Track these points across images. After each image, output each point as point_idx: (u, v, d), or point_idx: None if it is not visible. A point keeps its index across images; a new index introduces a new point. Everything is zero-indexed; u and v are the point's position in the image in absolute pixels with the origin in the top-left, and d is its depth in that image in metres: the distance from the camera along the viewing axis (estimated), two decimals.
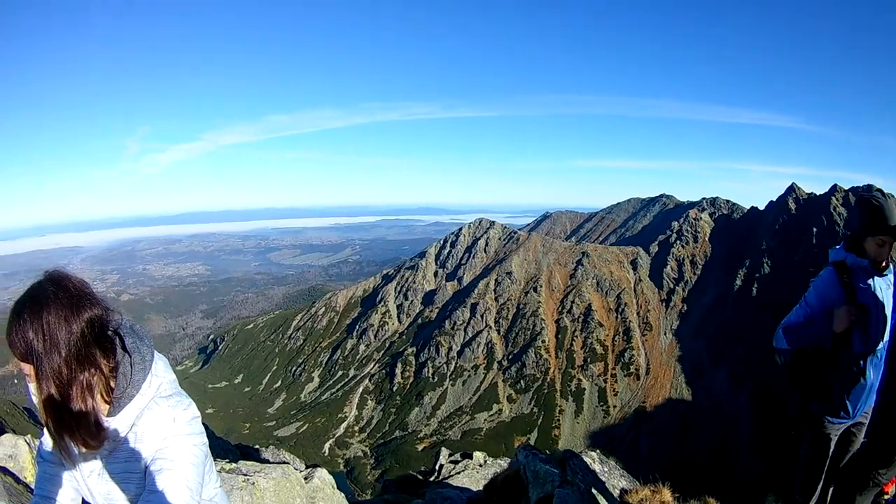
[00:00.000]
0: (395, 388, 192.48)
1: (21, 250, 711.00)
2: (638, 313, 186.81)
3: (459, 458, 23.55)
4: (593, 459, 10.97)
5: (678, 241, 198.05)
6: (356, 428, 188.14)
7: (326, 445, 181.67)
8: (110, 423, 2.73)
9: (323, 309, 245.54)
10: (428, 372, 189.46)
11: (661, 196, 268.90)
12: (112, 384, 2.77)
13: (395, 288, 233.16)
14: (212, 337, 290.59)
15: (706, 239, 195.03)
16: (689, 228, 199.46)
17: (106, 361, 2.77)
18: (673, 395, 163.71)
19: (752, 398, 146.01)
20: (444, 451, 25.05)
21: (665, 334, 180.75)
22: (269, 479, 8.90)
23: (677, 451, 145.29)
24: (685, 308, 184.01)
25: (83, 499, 3.05)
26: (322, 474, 11.76)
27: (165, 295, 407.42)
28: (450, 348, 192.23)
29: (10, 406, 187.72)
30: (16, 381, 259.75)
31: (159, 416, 2.84)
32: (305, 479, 10.74)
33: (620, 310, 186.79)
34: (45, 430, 2.84)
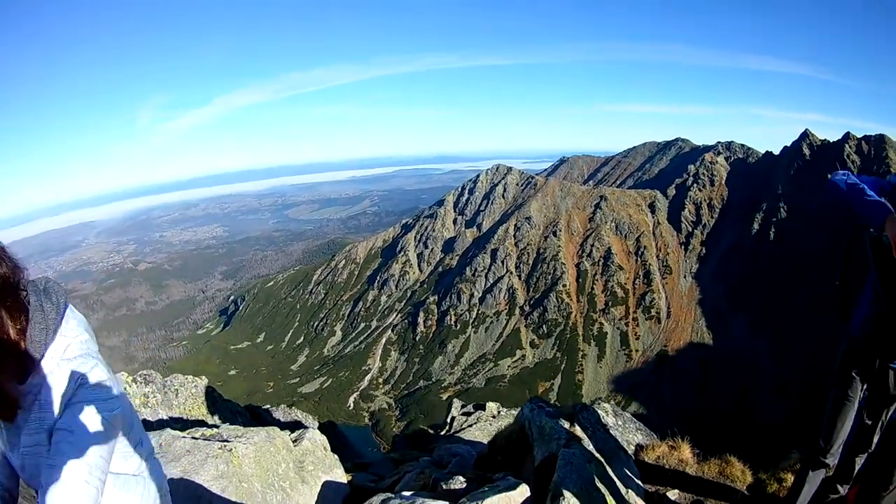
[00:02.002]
0: (418, 338, 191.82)
1: (34, 232, 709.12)
2: (657, 256, 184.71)
3: (472, 410, 23.57)
4: (606, 412, 9.94)
5: (695, 185, 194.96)
6: (380, 380, 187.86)
7: (351, 399, 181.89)
8: (22, 390, 2.42)
9: (343, 262, 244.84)
10: (450, 320, 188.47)
11: (677, 140, 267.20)
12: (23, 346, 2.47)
13: (415, 237, 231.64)
14: (232, 298, 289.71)
15: (723, 182, 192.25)
16: (705, 172, 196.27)
17: (13, 323, 2.42)
18: (694, 338, 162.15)
19: (771, 343, 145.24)
20: (457, 403, 25.11)
21: (685, 277, 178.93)
22: (249, 445, 8.21)
23: (699, 396, 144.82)
24: (704, 251, 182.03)
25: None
26: (313, 435, 10.38)
27: (183, 260, 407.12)
28: (471, 295, 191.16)
29: None
30: None
31: (60, 380, 2.45)
32: (295, 441, 9.85)
33: (640, 253, 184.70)
34: None
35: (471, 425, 21.13)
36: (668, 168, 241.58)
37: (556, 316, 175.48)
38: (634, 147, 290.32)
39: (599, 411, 9.46)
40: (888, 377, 5.05)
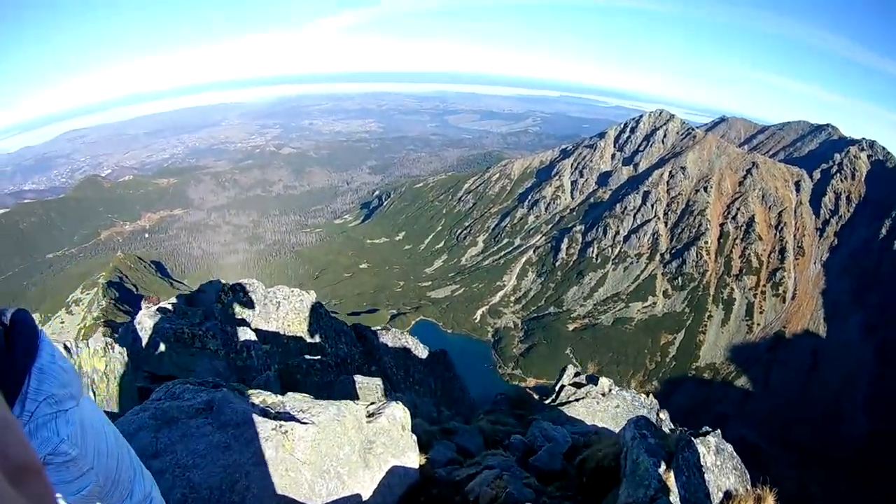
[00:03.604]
0: (557, 264, 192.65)
1: (170, 108, 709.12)
2: (794, 235, 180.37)
3: (584, 381, 22.23)
4: (708, 448, 8.63)
5: (838, 174, 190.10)
6: (512, 298, 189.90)
7: (479, 312, 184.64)
8: None
9: (497, 175, 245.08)
10: (592, 252, 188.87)
11: (828, 125, 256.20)
12: None
13: (572, 164, 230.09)
14: (377, 193, 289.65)
15: (862, 179, 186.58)
16: (848, 164, 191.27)
17: None
18: (811, 327, 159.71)
19: (877, 352, 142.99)
20: (570, 371, 23.37)
21: (815, 263, 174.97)
22: (309, 427, 7.35)
23: (802, 387, 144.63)
24: (836, 242, 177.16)
25: None
26: (393, 412, 9.17)
27: (331, 149, 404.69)
28: (617, 232, 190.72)
29: (136, 261, 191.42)
30: (147, 234, 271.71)
31: None
32: (371, 416, 8.93)
33: (780, 228, 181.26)
34: None
35: (578, 399, 20.45)
36: (817, 151, 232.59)
37: (693, 271, 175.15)
38: (789, 122, 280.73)
39: (701, 448, 8.38)
40: None
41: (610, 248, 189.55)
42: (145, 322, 17.24)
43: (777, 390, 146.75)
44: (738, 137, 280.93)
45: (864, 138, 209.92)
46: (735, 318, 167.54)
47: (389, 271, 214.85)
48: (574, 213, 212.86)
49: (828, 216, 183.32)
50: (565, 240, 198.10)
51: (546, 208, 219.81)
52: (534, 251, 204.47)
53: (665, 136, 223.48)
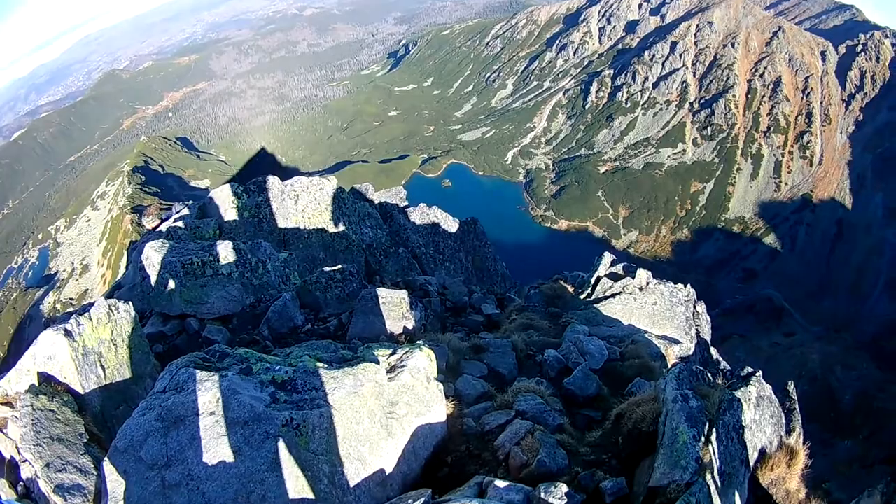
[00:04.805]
0: (587, 106, 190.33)
1: None
2: (821, 102, 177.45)
3: (621, 272, 20.90)
4: (749, 402, 7.51)
5: (863, 53, 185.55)
6: (542, 140, 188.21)
7: (510, 154, 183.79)
8: None
9: (524, 21, 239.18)
10: (622, 96, 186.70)
11: (852, 6, 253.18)
12: None
13: (599, 11, 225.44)
14: (403, 42, 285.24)
15: (887, 64, 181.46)
16: (873, 46, 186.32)
17: None
18: (837, 195, 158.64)
19: None
20: (607, 258, 22.05)
21: (841, 133, 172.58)
22: (324, 411, 6.40)
23: (827, 255, 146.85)
24: (861, 117, 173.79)
25: None
26: (417, 363, 7.74)
27: (355, 5, 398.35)
28: (646, 78, 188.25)
29: (160, 141, 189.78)
30: (170, 114, 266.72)
31: None
32: (392, 371, 7.60)
33: (806, 92, 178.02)
34: None
35: (614, 295, 19.40)
36: (841, 27, 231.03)
37: (722, 122, 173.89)
38: None
39: (744, 403, 7.45)
40: None
41: (639, 94, 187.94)
42: (153, 257, 16.19)
43: (803, 254, 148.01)
44: (763, 1, 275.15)
45: (887, 27, 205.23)
46: (763, 173, 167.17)
47: (419, 117, 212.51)
48: (602, 59, 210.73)
49: (853, 90, 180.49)
50: (594, 83, 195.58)
51: (574, 53, 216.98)
52: (563, 94, 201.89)
53: None
